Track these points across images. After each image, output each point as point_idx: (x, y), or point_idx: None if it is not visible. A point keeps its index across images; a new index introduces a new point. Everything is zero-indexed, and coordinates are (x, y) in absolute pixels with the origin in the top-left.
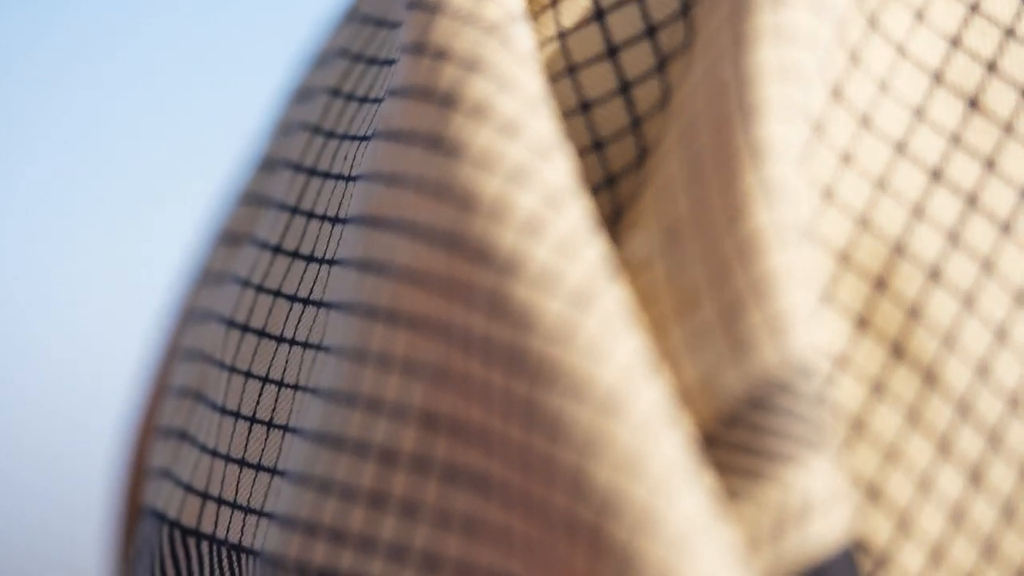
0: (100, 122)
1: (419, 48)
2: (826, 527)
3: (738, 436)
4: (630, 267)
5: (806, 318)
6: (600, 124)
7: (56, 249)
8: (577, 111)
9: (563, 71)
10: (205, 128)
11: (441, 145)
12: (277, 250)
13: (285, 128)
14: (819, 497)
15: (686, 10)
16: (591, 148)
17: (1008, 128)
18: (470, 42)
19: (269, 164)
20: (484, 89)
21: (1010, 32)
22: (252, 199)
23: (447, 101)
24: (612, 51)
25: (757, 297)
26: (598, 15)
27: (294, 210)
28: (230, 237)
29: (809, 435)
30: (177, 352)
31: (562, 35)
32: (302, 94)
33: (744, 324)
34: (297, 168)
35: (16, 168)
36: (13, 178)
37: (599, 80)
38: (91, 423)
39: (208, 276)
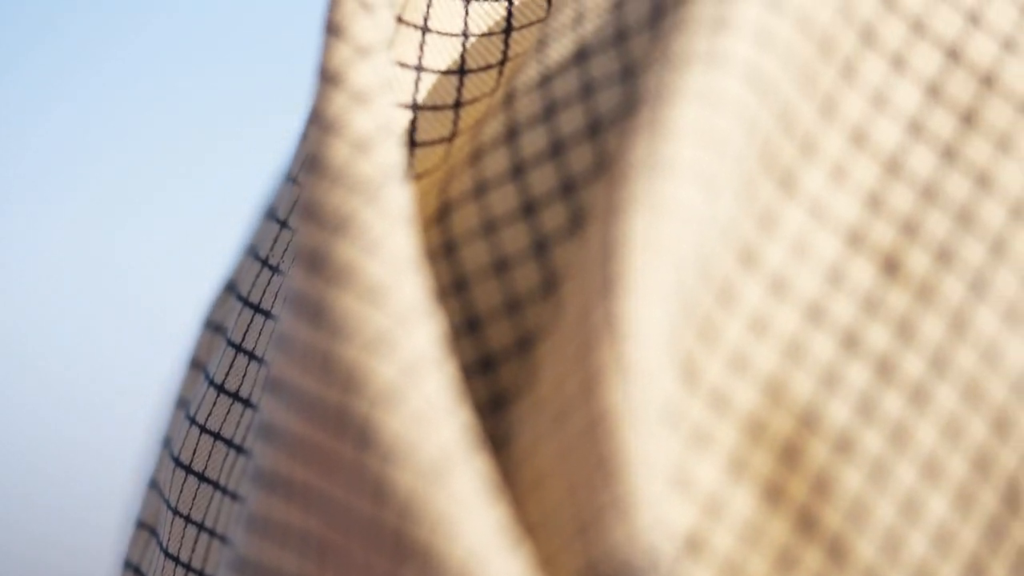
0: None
1: (298, 208)
2: None
3: None
4: (502, 440)
5: (656, 499)
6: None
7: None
8: (452, 290)
9: (442, 249)
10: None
11: (307, 311)
12: (220, 388)
13: (246, 250)
14: None
15: (569, 190)
16: (468, 328)
17: (923, 292)
18: (340, 202)
19: (230, 288)
20: (349, 252)
21: (929, 192)
22: (212, 326)
23: (313, 265)
24: (490, 227)
25: (605, 477)
26: (480, 189)
27: (237, 347)
28: (195, 364)
29: None
30: (146, 478)
31: (446, 208)
32: (265, 214)
33: (591, 504)
34: (243, 300)
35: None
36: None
37: (477, 255)
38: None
39: (177, 403)
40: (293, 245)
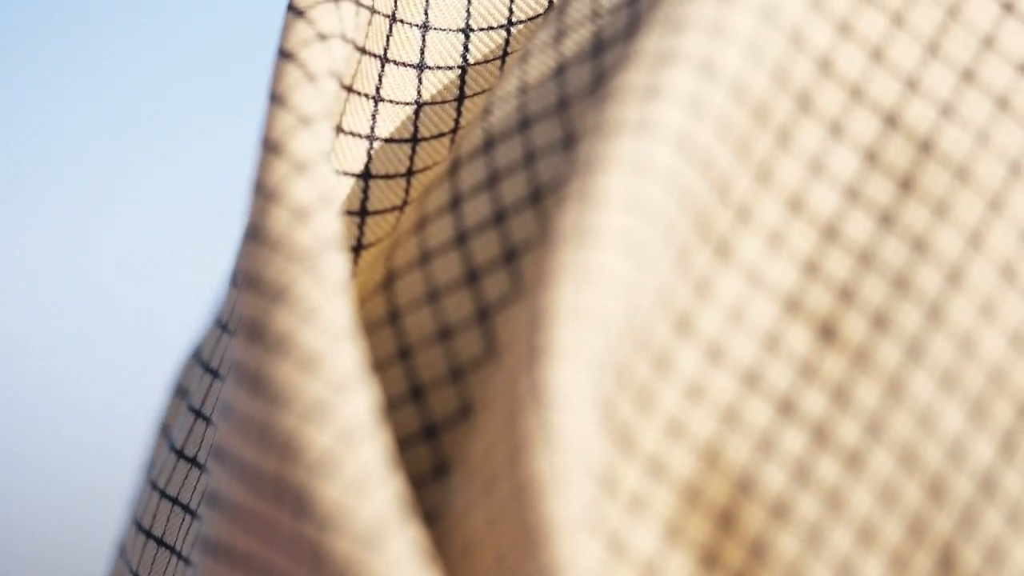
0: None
1: (238, 277)
2: None
3: None
4: (441, 509)
5: (584, 566)
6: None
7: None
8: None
9: (386, 318)
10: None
11: (246, 379)
12: (180, 454)
13: (211, 317)
14: None
15: (511, 257)
16: (411, 396)
17: (859, 357)
18: (278, 271)
19: (196, 353)
20: (287, 321)
21: (866, 258)
22: (179, 391)
23: (252, 333)
24: (434, 295)
25: (531, 545)
26: (424, 258)
27: (197, 412)
28: (162, 430)
29: None
30: (116, 543)
31: (389, 280)
32: (231, 281)
33: (517, 572)
34: (205, 366)
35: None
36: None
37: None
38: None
39: (144, 467)
40: (236, 313)
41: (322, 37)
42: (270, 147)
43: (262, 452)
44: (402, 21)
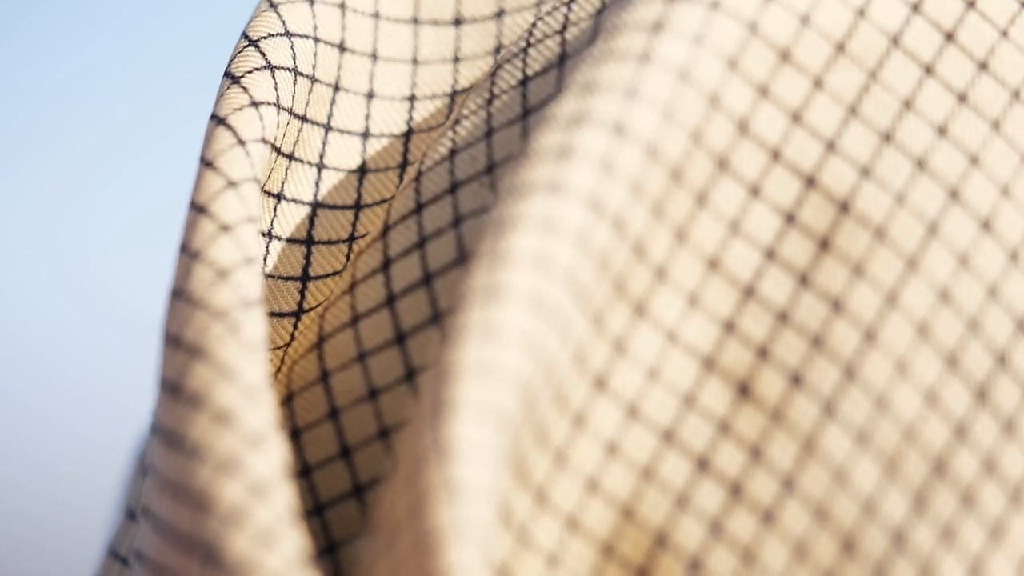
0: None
1: (163, 336)
2: None
3: None
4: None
5: None
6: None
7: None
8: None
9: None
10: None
11: (164, 435)
12: (130, 514)
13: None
14: None
15: (401, 339)
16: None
17: (774, 415)
18: (198, 329)
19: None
20: (204, 378)
21: (783, 317)
22: (141, 463)
23: (171, 390)
24: (324, 376)
25: None
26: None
27: (145, 470)
28: (128, 513)
29: None
30: None
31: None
32: None
33: None
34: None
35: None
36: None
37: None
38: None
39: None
40: (158, 372)
41: (255, 104)
42: (197, 208)
43: (177, 504)
44: (346, 90)
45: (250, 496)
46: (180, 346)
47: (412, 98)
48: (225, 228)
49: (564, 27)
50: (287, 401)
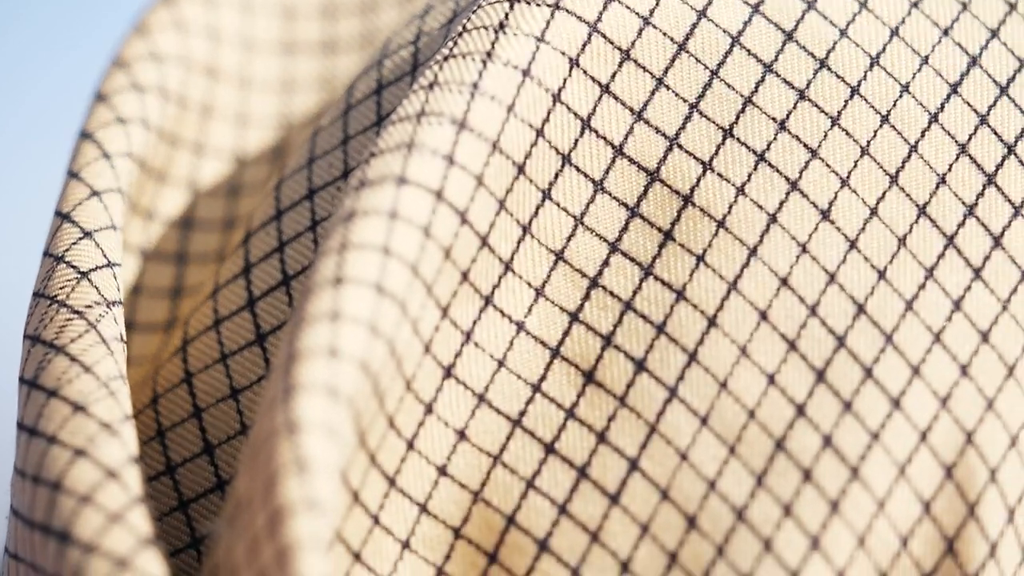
0: None
1: (24, 336)
2: None
3: None
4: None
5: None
6: None
7: None
8: None
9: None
10: None
11: (23, 428)
12: None
13: None
14: None
15: (261, 339)
16: None
17: (621, 401)
18: (56, 328)
19: None
20: (61, 371)
21: (628, 306)
22: None
23: (30, 383)
24: (188, 377)
25: (283, 568)
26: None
27: None
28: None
29: None
30: None
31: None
32: None
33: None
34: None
35: None
36: None
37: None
38: None
39: None
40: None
41: (121, 120)
42: (61, 216)
43: (36, 489)
44: (218, 115)
45: (102, 480)
46: (37, 343)
47: (285, 123)
48: (88, 234)
49: (417, 38)
50: (152, 403)
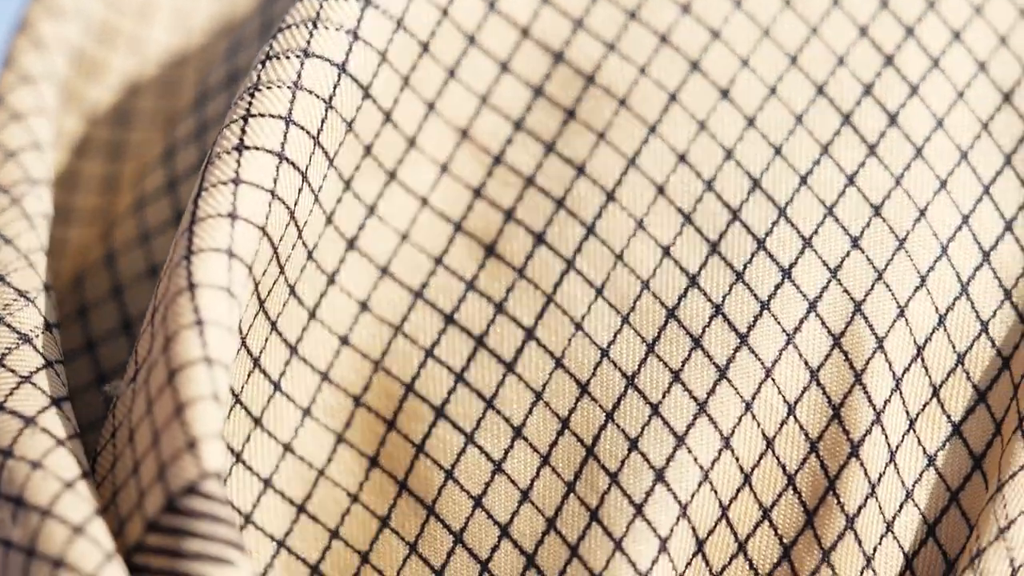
0: None
1: None
2: None
3: (159, 540)
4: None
5: (214, 439)
6: None
7: None
8: None
9: None
10: None
11: None
12: None
13: None
14: None
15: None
16: None
17: (520, 273)
18: None
19: None
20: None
21: (530, 182)
22: None
23: None
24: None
25: (182, 422)
26: None
27: None
28: None
29: (230, 537)
30: None
31: None
32: None
33: (170, 447)
34: None
35: None
36: None
37: None
38: None
39: None
40: None
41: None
42: None
43: None
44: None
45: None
46: None
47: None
48: (15, 115)
49: None
50: (108, 262)
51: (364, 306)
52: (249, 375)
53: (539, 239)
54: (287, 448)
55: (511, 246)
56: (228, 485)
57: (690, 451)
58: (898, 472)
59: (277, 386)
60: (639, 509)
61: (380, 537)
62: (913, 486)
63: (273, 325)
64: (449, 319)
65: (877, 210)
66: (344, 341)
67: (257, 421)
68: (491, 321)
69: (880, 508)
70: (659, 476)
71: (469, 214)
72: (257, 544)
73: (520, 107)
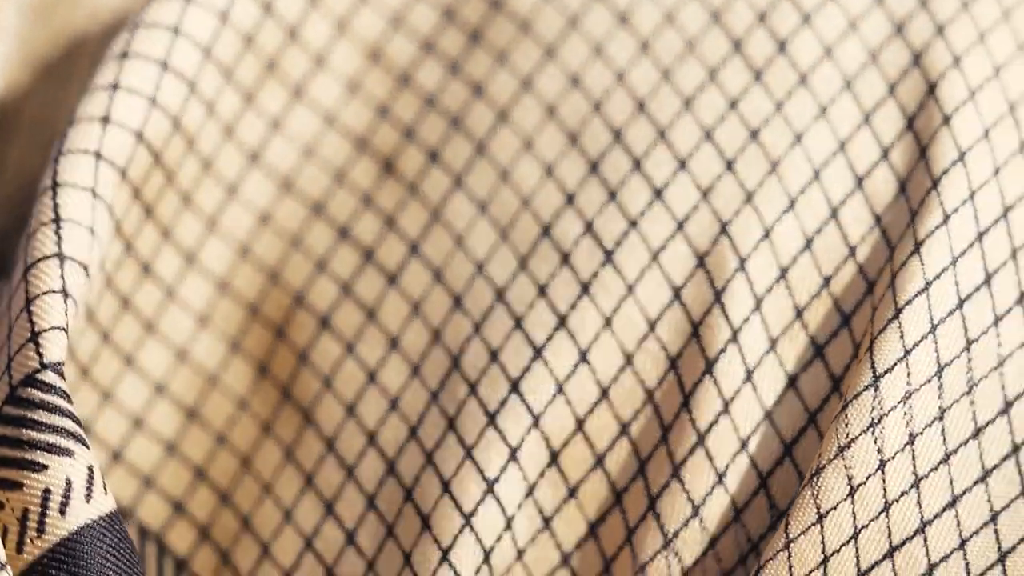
0: None
1: None
2: (84, 506)
3: (4, 430)
4: None
5: (57, 332)
6: None
7: None
8: None
9: None
10: None
11: None
12: None
13: None
14: (80, 480)
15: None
16: None
17: (411, 188)
18: None
19: None
20: None
21: (430, 101)
22: None
23: None
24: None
25: (26, 316)
26: None
27: None
28: None
29: (68, 427)
30: None
31: None
32: None
33: (15, 340)
34: None
35: None
36: None
37: None
38: None
39: None
40: None
41: None
42: None
43: None
44: None
45: None
46: None
47: None
48: None
49: None
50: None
51: (265, 219)
52: (141, 281)
53: (433, 156)
54: (181, 354)
55: (407, 163)
56: (118, 389)
57: (546, 363)
58: (756, 391)
59: (171, 293)
60: (492, 418)
61: (262, 443)
62: (773, 407)
63: (166, 234)
64: (343, 233)
65: (754, 135)
66: (244, 252)
67: (150, 326)
68: (381, 235)
69: (734, 426)
70: (514, 387)
71: (372, 131)
72: (148, 447)
73: (429, 28)
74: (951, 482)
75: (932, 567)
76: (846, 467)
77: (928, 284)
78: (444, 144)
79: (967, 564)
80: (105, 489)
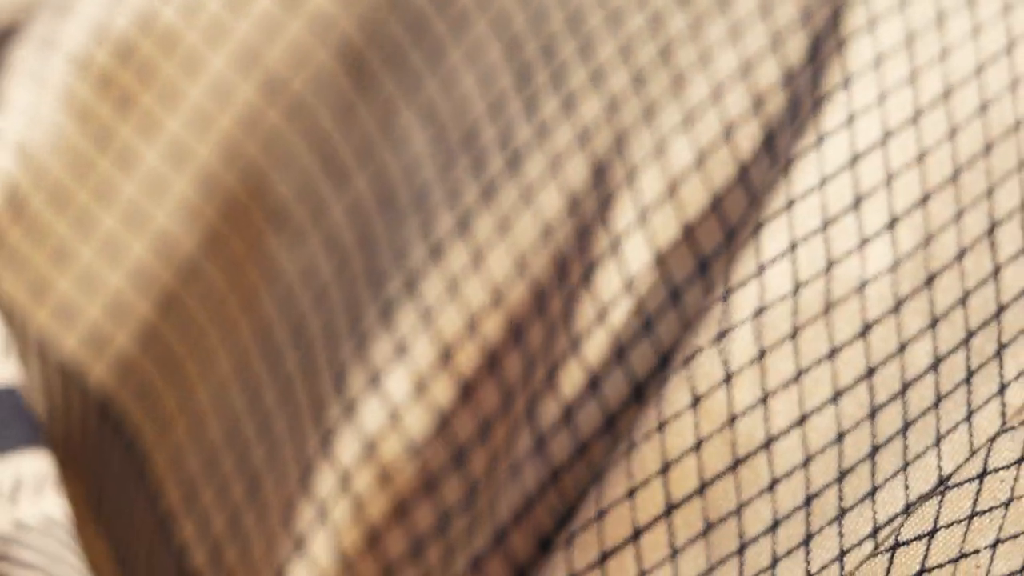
0: None
1: None
2: None
3: None
4: None
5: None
6: None
7: None
8: None
9: None
10: None
11: None
12: None
13: None
14: None
15: None
16: None
17: (374, 88)
18: None
19: None
20: None
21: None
22: None
23: None
24: None
25: None
26: None
27: None
28: None
29: None
30: None
31: None
32: None
33: None
34: None
35: None
36: None
37: None
38: None
39: None
40: None
41: None
42: None
43: None
44: None
45: None
46: None
47: None
48: None
49: None
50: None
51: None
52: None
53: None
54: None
55: (373, 63)
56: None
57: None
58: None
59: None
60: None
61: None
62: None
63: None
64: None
65: (665, 58)
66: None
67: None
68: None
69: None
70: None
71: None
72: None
73: None
74: (800, 400)
75: (775, 481)
76: (688, 378)
77: (791, 203)
78: (407, 48)
79: (808, 481)
80: None
